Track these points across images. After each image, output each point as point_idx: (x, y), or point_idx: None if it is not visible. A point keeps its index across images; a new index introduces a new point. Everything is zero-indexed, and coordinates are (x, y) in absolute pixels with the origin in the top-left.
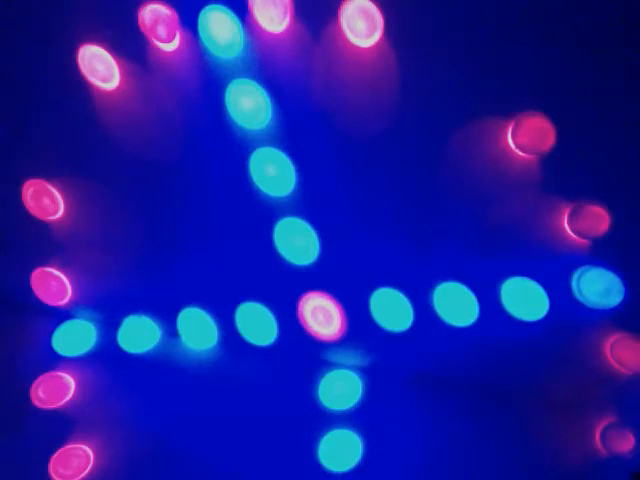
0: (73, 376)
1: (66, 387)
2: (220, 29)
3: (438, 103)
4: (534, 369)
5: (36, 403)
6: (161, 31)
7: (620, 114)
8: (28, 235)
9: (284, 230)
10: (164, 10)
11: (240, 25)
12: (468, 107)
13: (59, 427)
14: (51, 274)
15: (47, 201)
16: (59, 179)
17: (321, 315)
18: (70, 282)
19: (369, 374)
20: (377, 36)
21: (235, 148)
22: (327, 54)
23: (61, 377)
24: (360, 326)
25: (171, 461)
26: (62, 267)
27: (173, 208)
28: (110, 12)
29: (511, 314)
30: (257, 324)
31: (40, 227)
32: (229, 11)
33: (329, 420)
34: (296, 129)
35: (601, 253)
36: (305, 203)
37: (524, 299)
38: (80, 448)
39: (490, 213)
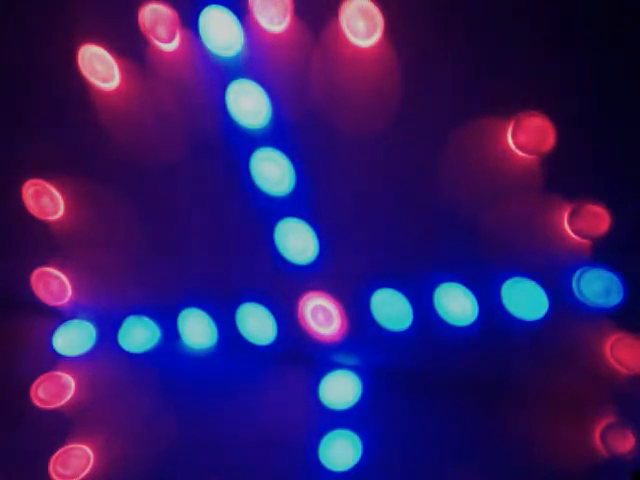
0: (73, 376)
1: (66, 387)
2: (220, 29)
3: (438, 103)
4: (534, 369)
5: (36, 403)
6: (161, 31)
7: (620, 114)
8: (28, 235)
9: (284, 230)
10: (164, 10)
11: (240, 25)
12: (468, 107)
13: (59, 427)
14: (51, 274)
15: (47, 201)
16: (59, 179)
17: (321, 315)
18: (70, 282)
19: (369, 374)
20: (377, 36)
21: (235, 148)
22: (327, 54)
23: (61, 377)
24: (360, 326)
25: (171, 461)
26: (62, 267)
27: (173, 208)
28: (110, 12)
29: (511, 314)
30: (257, 324)
31: (40, 227)
32: (229, 11)
33: (329, 420)
34: (296, 129)
35: (601, 253)
36: (305, 203)
37: (524, 299)
38: (80, 448)
39: (490, 213)
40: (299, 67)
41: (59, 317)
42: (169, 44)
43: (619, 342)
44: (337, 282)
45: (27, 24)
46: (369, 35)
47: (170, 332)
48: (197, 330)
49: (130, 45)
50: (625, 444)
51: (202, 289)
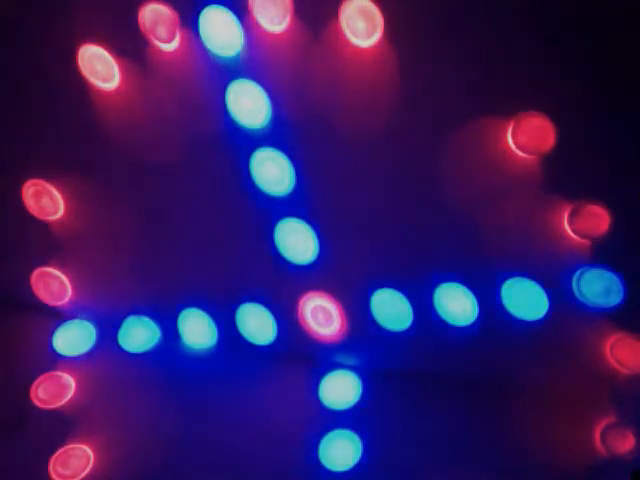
0: (73, 376)
1: (66, 387)
2: (220, 29)
3: (438, 103)
4: (534, 369)
5: (36, 403)
6: (161, 31)
7: (621, 114)
8: (28, 235)
9: (284, 230)
10: (164, 10)
11: (240, 25)
12: (468, 107)
13: (59, 427)
14: (51, 274)
15: (47, 201)
16: (59, 179)
17: (321, 315)
18: (70, 282)
19: (369, 374)
20: (377, 36)
21: (235, 148)
22: (327, 54)
23: (61, 377)
24: (360, 326)
25: (171, 460)
26: (62, 267)
27: (173, 208)
28: (110, 12)
29: (511, 314)
30: (257, 324)
31: (40, 227)
32: (229, 11)
33: (329, 420)
34: (296, 129)
35: (601, 253)
36: (305, 203)
37: (524, 299)
38: (80, 448)
39: (490, 213)
40: (299, 67)
41: (59, 317)
42: (169, 44)
43: (619, 342)
44: (337, 282)
45: (27, 24)
46: (369, 35)
47: (170, 332)
48: (197, 330)
49: (130, 45)
50: (625, 444)
51: (202, 289)
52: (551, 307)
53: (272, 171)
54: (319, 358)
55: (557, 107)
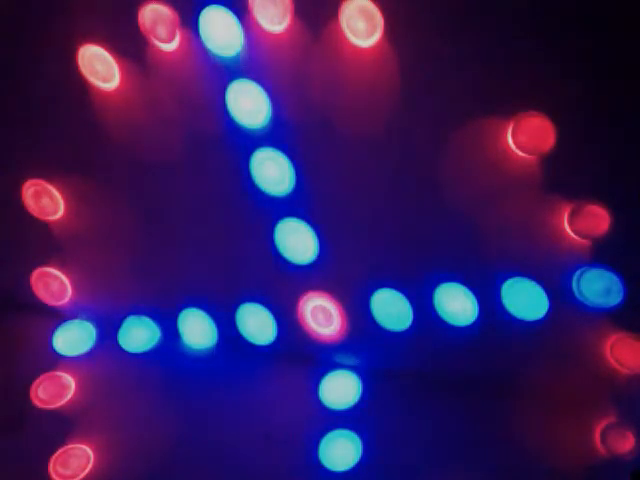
0: (73, 376)
1: (66, 387)
2: (220, 29)
3: (438, 103)
4: (534, 369)
5: (36, 403)
6: (161, 31)
7: (621, 114)
8: (28, 235)
9: (284, 230)
10: (164, 10)
11: (240, 25)
12: (468, 107)
13: (59, 427)
14: (51, 274)
15: (47, 201)
16: (59, 179)
17: (321, 315)
18: (70, 282)
19: (369, 374)
20: (377, 36)
21: (235, 148)
22: (327, 54)
23: (61, 377)
24: (360, 326)
25: (171, 460)
26: (62, 267)
27: (173, 208)
28: (110, 12)
29: (511, 314)
30: (257, 324)
31: (40, 227)
32: (229, 11)
33: (329, 420)
34: (296, 129)
35: (601, 253)
36: (305, 203)
37: (524, 299)
38: (80, 448)
39: (490, 213)
40: (299, 67)
41: (59, 317)
42: (169, 44)
43: (619, 342)
44: (337, 282)
45: (27, 24)
46: (369, 35)
47: (170, 332)
48: (197, 330)
49: (130, 45)
50: (625, 444)
51: (202, 289)
52: (551, 307)
53: (272, 171)
54: (319, 358)
55: (557, 107)
